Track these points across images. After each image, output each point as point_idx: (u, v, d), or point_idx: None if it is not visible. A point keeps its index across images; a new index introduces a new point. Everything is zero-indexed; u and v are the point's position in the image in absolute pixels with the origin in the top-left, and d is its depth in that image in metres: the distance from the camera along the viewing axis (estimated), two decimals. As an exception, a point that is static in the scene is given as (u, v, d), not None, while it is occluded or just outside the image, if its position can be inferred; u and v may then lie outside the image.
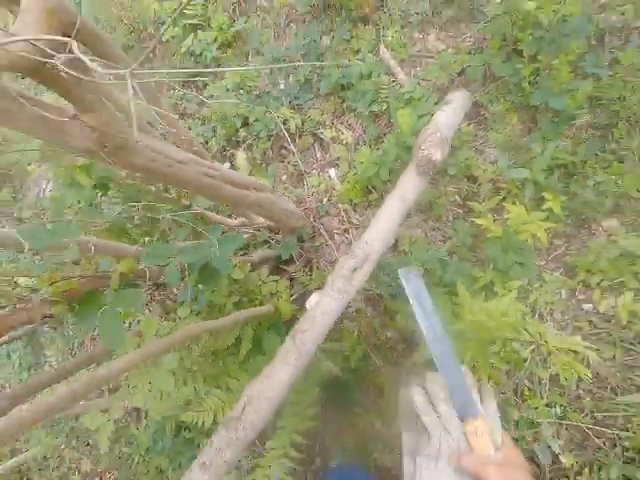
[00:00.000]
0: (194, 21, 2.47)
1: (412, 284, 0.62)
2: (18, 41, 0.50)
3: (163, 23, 2.65)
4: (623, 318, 1.35)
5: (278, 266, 1.93)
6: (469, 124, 1.76)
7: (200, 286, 1.31)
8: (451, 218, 1.78)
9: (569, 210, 1.49)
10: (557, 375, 1.32)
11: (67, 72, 0.52)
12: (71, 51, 0.52)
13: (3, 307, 0.75)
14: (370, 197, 1.94)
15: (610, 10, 1.56)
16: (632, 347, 1.38)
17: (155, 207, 1.36)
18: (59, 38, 0.53)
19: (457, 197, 1.76)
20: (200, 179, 1.08)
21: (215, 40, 2.42)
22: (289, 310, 1.69)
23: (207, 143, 2.37)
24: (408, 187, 1.37)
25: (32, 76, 0.60)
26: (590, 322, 1.45)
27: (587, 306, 1.47)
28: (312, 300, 1.46)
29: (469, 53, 1.81)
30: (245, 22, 2.40)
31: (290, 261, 1.92)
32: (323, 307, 1.07)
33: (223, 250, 1.15)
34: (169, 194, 1.49)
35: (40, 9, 0.56)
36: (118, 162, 0.81)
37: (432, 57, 1.91)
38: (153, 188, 1.32)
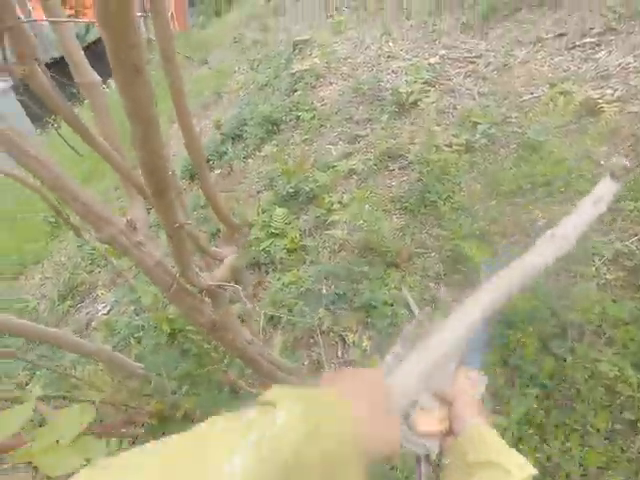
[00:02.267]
0: (276, 231, 3.45)
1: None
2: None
3: (252, 225, 3.69)
4: None
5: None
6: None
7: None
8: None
9: (541, 466, 1.68)
10: None
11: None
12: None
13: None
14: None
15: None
16: None
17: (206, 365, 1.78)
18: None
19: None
20: (256, 358, 1.53)
21: (285, 246, 3.31)
22: None
23: (257, 320, 2.93)
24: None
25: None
26: None
27: None
28: None
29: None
30: (310, 241, 3.32)
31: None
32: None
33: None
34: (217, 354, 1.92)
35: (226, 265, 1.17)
36: (217, 338, 1.30)
37: (441, 304, 2.51)
38: (214, 354, 1.77)
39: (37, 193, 1.61)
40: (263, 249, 3.35)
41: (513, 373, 2.03)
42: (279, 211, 3.57)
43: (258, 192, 4.23)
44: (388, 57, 5.17)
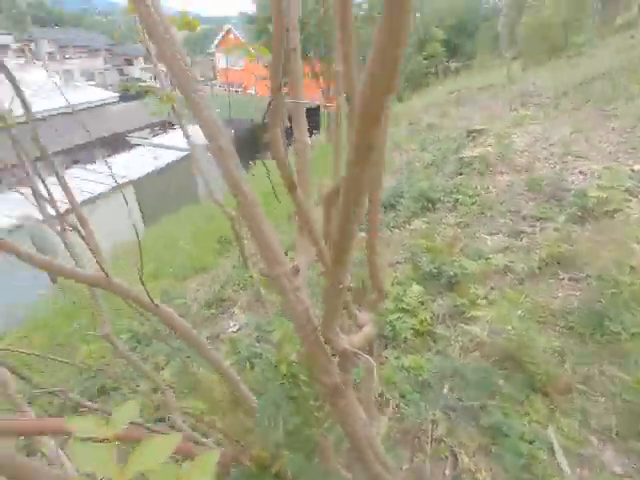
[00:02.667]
0: (407, 307, 3.30)
1: None
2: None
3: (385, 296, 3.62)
4: None
5: None
6: None
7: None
8: None
9: None
10: None
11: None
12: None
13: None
14: None
15: None
16: None
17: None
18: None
19: None
20: (364, 444, 1.41)
21: (413, 326, 3.11)
22: None
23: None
24: None
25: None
26: None
27: None
28: None
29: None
30: (442, 329, 3.03)
31: None
32: None
33: None
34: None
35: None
36: (332, 402, 1.25)
37: (604, 471, 1.88)
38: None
39: (230, 220, 1.97)
40: (389, 322, 3.23)
41: None
42: (415, 288, 3.43)
43: (397, 263, 4.20)
44: (577, 157, 4.69)
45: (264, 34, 16.46)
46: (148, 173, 10.17)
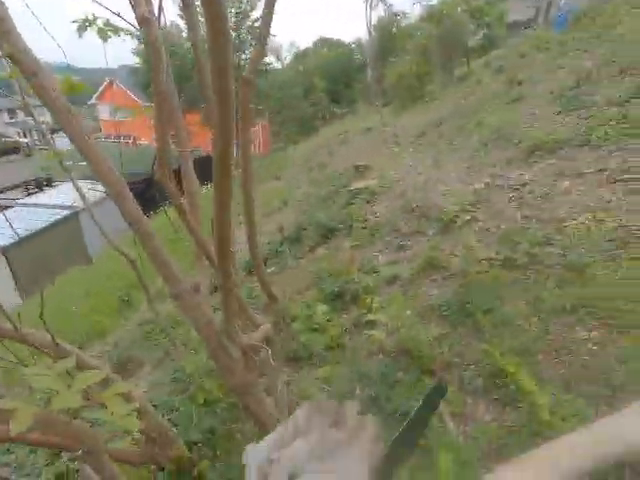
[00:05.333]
0: (317, 326, 3.60)
1: None
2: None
3: (295, 319, 3.87)
4: None
5: None
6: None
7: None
8: None
9: None
10: None
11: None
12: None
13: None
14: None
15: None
16: None
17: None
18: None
19: None
20: None
21: (325, 342, 3.40)
22: None
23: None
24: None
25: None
26: None
27: None
28: None
29: (510, 433, 2.21)
30: (349, 341, 3.39)
31: None
32: None
33: None
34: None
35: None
36: (244, 402, 1.44)
37: (479, 423, 2.35)
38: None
39: (131, 263, 2.05)
40: (303, 343, 3.47)
41: None
42: (321, 308, 3.77)
43: (306, 289, 4.53)
44: (437, 182, 5.75)
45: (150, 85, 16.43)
46: (22, 238, 9.01)
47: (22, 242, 8.94)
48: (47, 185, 12.80)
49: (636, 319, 2.41)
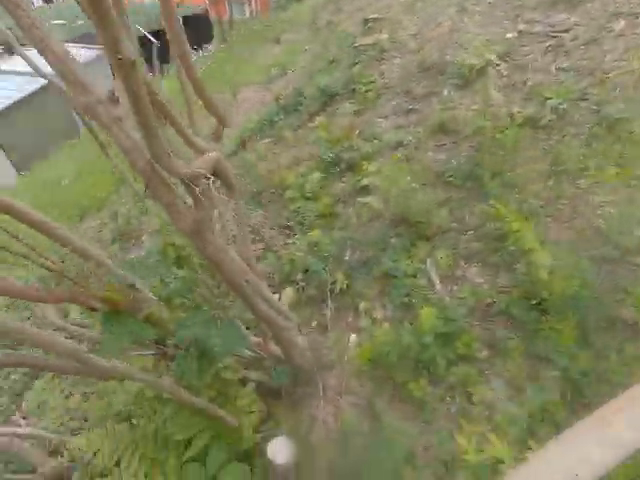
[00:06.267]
0: (309, 194, 3.37)
1: None
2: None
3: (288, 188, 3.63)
4: None
5: (264, 394, 2.02)
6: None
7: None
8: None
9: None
10: None
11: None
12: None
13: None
14: (376, 373, 2.05)
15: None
16: None
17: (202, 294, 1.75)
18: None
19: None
20: (250, 295, 1.46)
21: (317, 210, 3.21)
22: (251, 437, 1.72)
23: (272, 275, 2.87)
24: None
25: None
26: None
27: None
28: (274, 450, 1.53)
29: (500, 293, 2.11)
30: (342, 208, 3.18)
31: (277, 396, 2.01)
32: None
33: (228, 341, 1.41)
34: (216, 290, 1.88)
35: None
36: (199, 247, 1.25)
37: (469, 284, 2.25)
38: (210, 281, 1.73)
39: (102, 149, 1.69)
40: (294, 210, 3.29)
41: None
42: (315, 175, 3.48)
43: (302, 160, 4.17)
44: (460, 33, 4.78)
45: None
46: (9, 105, 8.35)
47: (9, 110, 8.35)
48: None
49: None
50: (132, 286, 1.35)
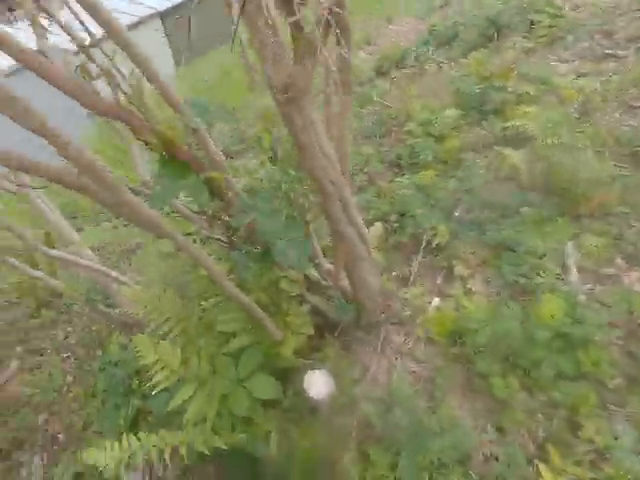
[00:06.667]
0: (435, 133, 2.83)
1: None
2: None
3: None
4: None
5: (319, 325, 1.82)
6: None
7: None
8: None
9: None
10: None
11: None
12: None
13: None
14: (451, 350, 1.68)
15: None
16: None
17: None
18: None
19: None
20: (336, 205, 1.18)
21: (437, 153, 2.70)
22: (291, 359, 1.56)
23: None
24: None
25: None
26: None
27: None
28: (311, 382, 1.33)
29: None
30: (471, 156, 2.61)
31: (332, 330, 1.80)
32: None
33: (297, 246, 1.19)
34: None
35: None
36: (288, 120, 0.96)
37: (623, 289, 1.62)
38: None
39: None
40: (411, 145, 2.82)
41: None
42: (450, 112, 2.89)
43: (439, 94, 3.54)
44: None
45: None
46: (176, 4, 9.00)
47: (177, 8, 9.02)
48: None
49: None
50: (195, 131, 1.16)
